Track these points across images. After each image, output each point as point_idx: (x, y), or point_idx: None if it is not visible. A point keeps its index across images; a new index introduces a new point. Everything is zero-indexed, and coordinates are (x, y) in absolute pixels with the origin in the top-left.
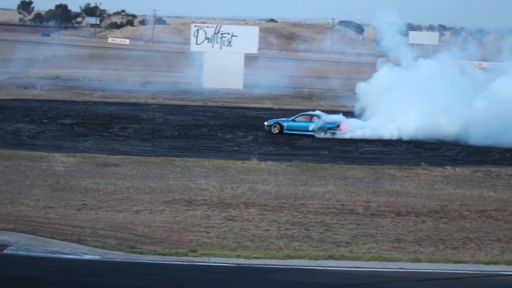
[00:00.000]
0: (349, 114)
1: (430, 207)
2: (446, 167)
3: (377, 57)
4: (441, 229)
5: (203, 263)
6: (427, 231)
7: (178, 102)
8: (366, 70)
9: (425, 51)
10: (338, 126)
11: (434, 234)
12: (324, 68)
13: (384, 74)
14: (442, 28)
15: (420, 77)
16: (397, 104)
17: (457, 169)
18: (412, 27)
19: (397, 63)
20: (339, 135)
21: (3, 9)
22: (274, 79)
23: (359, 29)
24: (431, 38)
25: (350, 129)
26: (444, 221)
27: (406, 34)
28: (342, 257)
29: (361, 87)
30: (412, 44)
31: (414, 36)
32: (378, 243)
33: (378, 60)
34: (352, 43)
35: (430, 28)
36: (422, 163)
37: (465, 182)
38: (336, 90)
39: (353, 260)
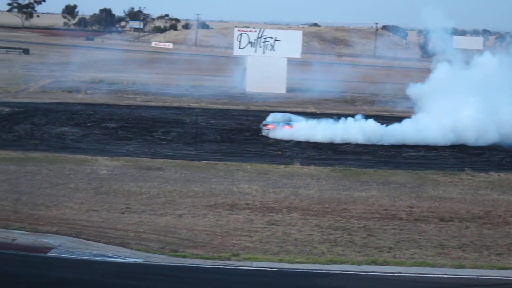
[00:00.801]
0: (388, 118)
1: (474, 213)
2: (491, 172)
3: (422, 61)
4: (485, 235)
5: (245, 267)
6: (471, 237)
7: (221, 106)
8: (412, 74)
9: (469, 56)
10: (266, 125)
11: (478, 240)
12: (368, 73)
13: (441, 73)
14: (487, 33)
15: (478, 74)
16: (449, 103)
17: (502, 174)
18: (456, 32)
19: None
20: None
21: (48, 13)
22: (317, 83)
23: (403, 33)
24: (475, 43)
25: (274, 129)
26: (488, 227)
27: (451, 38)
28: (385, 263)
29: (414, 89)
30: (456, 49)
31: (458, 41)
32: (421, 249)
33: (433, 59)
34: (396, 47)
35: (474, 32)
36: (466, 168)
37: (509, 187)
38: (379, 95)
39: (396, 265)
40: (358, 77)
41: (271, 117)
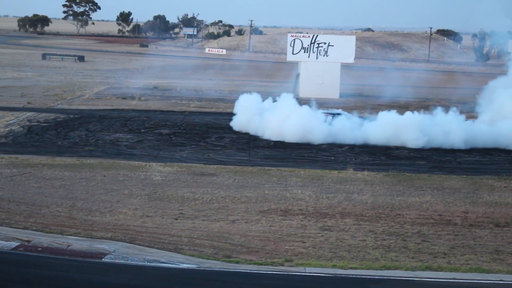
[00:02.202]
0: None
1: None
2: None
3: (477, 65)
4: None
5: (299, 273)
6: None
7: None
8: (469, 78)
9: None
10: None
11: None
12: (423, 77)
13: None
14: None
15: None
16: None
17: None
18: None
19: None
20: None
21: (102, 20)
22: (371, 88)
23: (458, 38)
24: None
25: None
26: None
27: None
28: (439, 268)
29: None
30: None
31: None
32: (476, 254)
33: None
34: (450, 52)
35: None
36: None
37: None
38: (434, 99)
39: (451, 271)
40: (413, 82)
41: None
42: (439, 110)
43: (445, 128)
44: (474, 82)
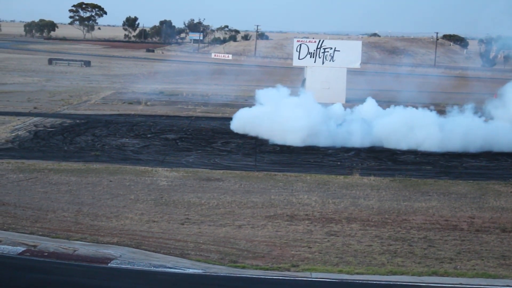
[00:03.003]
0: None
1: None
2: None
3: (484, 70)
4: None
5: (305, 278)
6: None
7: None
8: (475, 83)
9: None
10: None
11: None
12: (429, 83)
13: None
14: None
15: None
16: None
17: None
18: None
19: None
20: None
21: (109, 25)
22: (378, 93)
23: (464, 43)
24: None
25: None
26: None
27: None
28: (446, 274)
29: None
30: None
31: None
32: (483, 260)
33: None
34: (456, 57)
35: None
36: None
37: None
38: (440, 105)
39: (457, 276)
40: (421, 87)
41: None
42: (454, 111)
43: (463, 127)
44: (484, 87)
